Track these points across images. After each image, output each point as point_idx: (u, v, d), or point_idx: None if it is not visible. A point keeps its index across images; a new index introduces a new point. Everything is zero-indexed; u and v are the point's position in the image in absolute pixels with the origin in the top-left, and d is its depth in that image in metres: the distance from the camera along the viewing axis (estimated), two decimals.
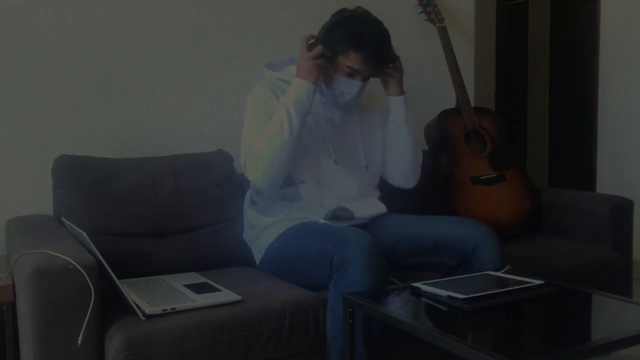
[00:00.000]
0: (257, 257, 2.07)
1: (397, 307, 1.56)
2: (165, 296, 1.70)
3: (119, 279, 1.61)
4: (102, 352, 1.53)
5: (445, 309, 1.47)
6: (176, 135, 2.40)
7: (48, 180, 2.09)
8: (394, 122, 2.09)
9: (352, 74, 1.93)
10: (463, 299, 1.44)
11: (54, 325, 1.48)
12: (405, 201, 2.25)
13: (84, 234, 1.63)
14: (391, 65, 2.03)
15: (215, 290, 1.76)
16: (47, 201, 2.14)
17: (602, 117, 3.46)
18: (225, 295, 1.71)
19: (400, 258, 1.96)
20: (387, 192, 2.19)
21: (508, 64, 4.65)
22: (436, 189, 2.45)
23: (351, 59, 1.90)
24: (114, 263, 1.63)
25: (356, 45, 1.89)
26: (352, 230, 1.80)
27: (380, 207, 2.09)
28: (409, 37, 2.85)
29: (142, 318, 1.55)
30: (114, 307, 1.61)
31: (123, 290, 1.59)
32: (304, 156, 1.98)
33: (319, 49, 1.89)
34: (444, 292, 1.49)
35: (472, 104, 2.68)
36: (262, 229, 2.04)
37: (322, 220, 1.95)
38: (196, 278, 1.91)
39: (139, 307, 1.57)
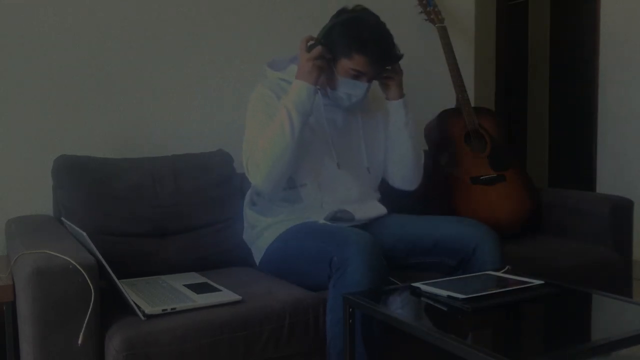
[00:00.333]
0: (257, 257, 2.07)
1: (397, 307, 1.56)
2: (165, 296, 1.70)
3: (119, 279, 1.61)
4: (102, 352, 1.53)
5: (445, 309, 1.47)
6: (176, 135, 2.40)
7: (48, 180, 2.09)
8: (394, 125, 2.09)
9: (357, 76, 1.93)
10: (463, 299, 1.44)
11: (54, 325, 1.48)
12: (406, 201, 2.25)
13: (84, 234, 1.63)
14: (389, 68, 2.02)
15: (215, 290, 1.76)
16: (47, 201, 2.14)
17: (602, 117, 3.46)
18: (225, 295, 1.71)
19: (400, 258, 1.96)
20: (388, 193, 2.19)
21: (508, 64, 4.65)
22: (436, 189, 2.45)
23: (356, 62, 1.90)
24: (114, 263, 1.63)
25: (360, 48, 1.88)
26: (351, 230, 1.80)
27: (380, 209, 2.09)
28: (409, 37, 2.84)
29: (142, 318, 1.55)
30: (114, 307, 1.61)
31: (123, 290, 1.59)
32: (305, 158, 1.98)
33: (318, 49, 1.89)
34: (444, 292, 1.49)
35: (472, 104, 2.68)
36: (262, 230, 2.04)
37: (322, 221, 1.95)
38: (196, 278, 1.91)
39: (139, 307, 1.57)
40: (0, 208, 2.13)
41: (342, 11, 1.97)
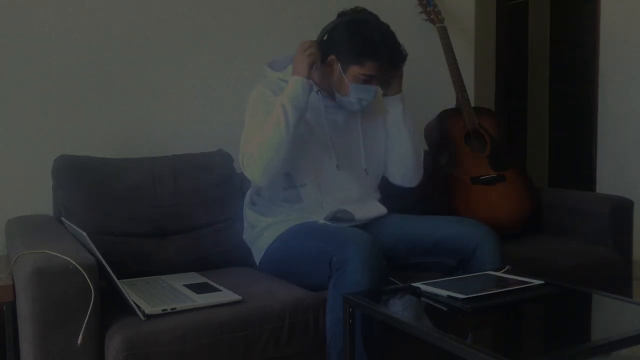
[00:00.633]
0: (257, 257, 2.07)
1: (397, 307, 1.56)
2: (165, 296, 1.70)
3: (119, 279, 1.61)
4: (102, 352, 1.53)
5: (445, 309, 1.47)
6: (176, 135, 2.40)
7: (48, 180, 2.09)
8: (392, 120, 2.09)
9: (367, 80, 1.93)
10: (463, 299, 1.44)
11: (54, 325, 1.48)
12: (406, 201, 2.25)
13: (84, 234, 1.63)
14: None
15: (215, 290, 1.76)
16: (47, 201, 2.14)
17: (602, 117, 3.46)
18: (225, 295, 1.71)
19: (400, 258, 1.96)
20: (388, 192, 2.19)
21: (508, 64, 4.65)
22: (436, 189, 2.45)
23: (368, 68, 1.90)
24: (114, 263, 1.63)
25: (371, 54, 1.88)
26: (351, 230, 1.80)
27: (380, 209, 2.10)
28: (409, 37, 2.81)
29: (142, 318, 1.55)
30: (114, 307, 1.61)
31: (123, 290, 1.59)
32: (305, 158, 1.98)
33: (312, 43, 1.89)
34: (444, 292, 1.49)
35: (472, 104, 2.68)
36: (262, 230, 2.04)
37: (322, 221, 1.95)
38: (196, 278, 1.91)
39: (139, 307, 1.57)
40: (0, 208, 2.13)
41: (343, 15, 1.96)
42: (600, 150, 3.47)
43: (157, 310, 1.58)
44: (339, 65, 1.93)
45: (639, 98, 3.27)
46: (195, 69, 2.44)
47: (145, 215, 2.05)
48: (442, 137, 2.55)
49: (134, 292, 1.72)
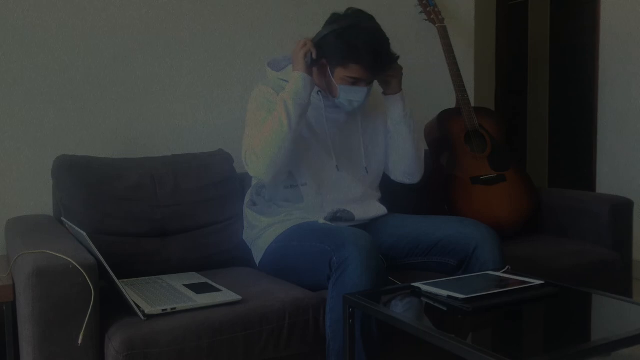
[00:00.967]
0: (257, 257, 2.07)
1: (397, 307, 1.56)
2: (165, 296, 1.70)
3: (119, 279, 1.61)
4: (102, 352, 1.53)
5: (445, 309, 1.47)
6: (176, 135, 2.40)
7: (48, 180, 2.09)
8: (393, 119, 2.09)
9: (355, 82, 1.93)
10: (463, 299, 1.44)
11: (54, 325, 1.48)
12: (406, 201, 2.25)
13: (84, 234, 1.63)
14: (388, 67, 2.02)
15: (215, 290, 1.76)
16: (47, 201, 2.14)
17: (602, 117, 3.46)
18: (225, 295, 1.71)
19: (401, 258, 1.96)
20: (388, 192, 2.19)
21: (508, 64, 4.65)
22: (436, 189, 2.45)
23: (352, 70, 1.90)
24: (114, 263, 1.63)
25: (354, 57, 1.88)
26: (350, 230, 1.80)
27: (380, 209, 2.10)
28: (409, 37, 2.85)
29: (142, 318, 1.55)
30: (114, 307, 1.61)
31: (123, 290, 1.59)
32: (306, 158, 1.98)
33: (309, 41, 1.90)
34: (444, 292, 1.49)
35: (472, 104, 2.68)
36: (262, 230, 2.04)
37: (322, 221, 1.95)
38: (196, 278, 1.91)
39: (139, 307, 1.57)
40: (0, 208, 2.13)
41: (335, 17, 1.95)
42: (600, 150, 3.47)
43: (157, 310, 1.58)
44: (328, 67, 1.94)
45: (639, 98, 3.27)
46: (196, 69, 2.44)
47: (145, 215, 2.05)
48: (442, 137, 2.55)
49: (134, 292, 1.72)
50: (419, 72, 2.82)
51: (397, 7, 2.82)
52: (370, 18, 1.95)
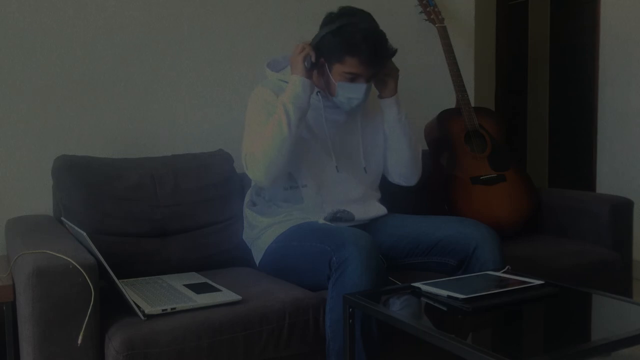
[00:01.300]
0: (257, 257, 2.07)
1: (397, 307, 1.56)
2: (165, 296, 1.70)
3: (119, 279, 1.61)
4: (102, 352, 1.53)
5: (445, 309, 1.47)
6: (176, 135, 2.40)
7: (48, 180, 2.09)
8: (387, 122, 2.09)
9: (353, 78, 1.92)
10: (463, 299, 1.44)
11: (54, 325, 1.48)
12: (406, 201, 2.25)
13: (84, 234, 1.63)
14: (386, 61, 2.01)
15: (215, 290, 1.76)
16: (47, 201, 2.14)
17: (602, 117, 3.46)
18: (225, 295, 1.71)
19: (401, 258, 1.97)
20: (388, 192, 2.19)
21: (508, 64, 4.65)
22: (436, 189, 2.45)
23: (349, 64, 1.89)
24: (114, 263, 1.63)
25: (350, 50, 1.87)
26: (350, 230, 1.80)
27: (380, 209, 2.10)
28: (409, 37, 2.85)
29: (142, 318, 1.55)
30: (114, 307, 1.61)
31: (123, 290, 1.59)
32: (306, 159, 1.98)
33: (307, 45, 1.90)
34: (444, 292, 1.49)
35: (472, 104, 2.68)
36: (261, 230, 2.04)
37: (321, 221, 1.95)
38: (196, 278, 1.91)
39: (139, 307, 1.57)
40: (0, 208, 2.13)
41: (330, 16, 1.94)
42: (600, 150, 3.47)
43: (157, 310, 1.58)
44: (326, 66, 1.94)
45: (639, 98, 3.27)
46: (196, 69, 2.44)
47: (145, 215, 2.05)
48: (442, 137, 2.55)
49: (133, 292, 1.72)
50: (419, 72, 2.82)
51: (397, 7, 2.82)
52: (365, 14, 1.95)
